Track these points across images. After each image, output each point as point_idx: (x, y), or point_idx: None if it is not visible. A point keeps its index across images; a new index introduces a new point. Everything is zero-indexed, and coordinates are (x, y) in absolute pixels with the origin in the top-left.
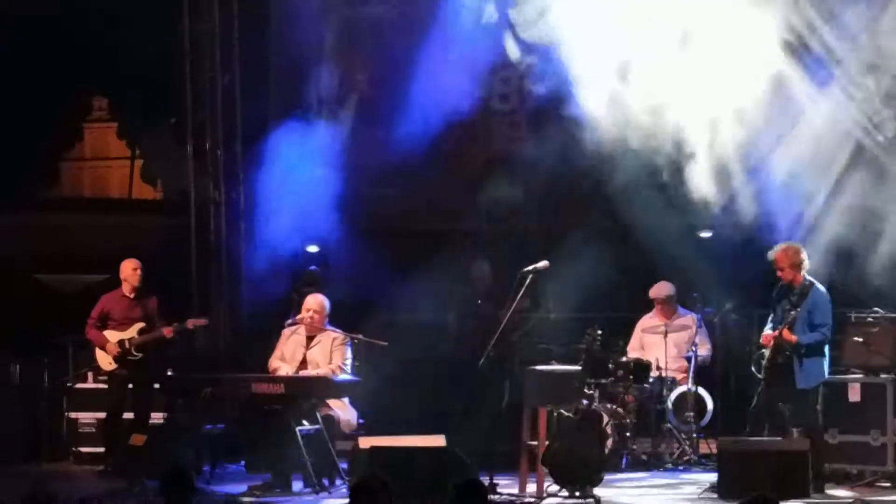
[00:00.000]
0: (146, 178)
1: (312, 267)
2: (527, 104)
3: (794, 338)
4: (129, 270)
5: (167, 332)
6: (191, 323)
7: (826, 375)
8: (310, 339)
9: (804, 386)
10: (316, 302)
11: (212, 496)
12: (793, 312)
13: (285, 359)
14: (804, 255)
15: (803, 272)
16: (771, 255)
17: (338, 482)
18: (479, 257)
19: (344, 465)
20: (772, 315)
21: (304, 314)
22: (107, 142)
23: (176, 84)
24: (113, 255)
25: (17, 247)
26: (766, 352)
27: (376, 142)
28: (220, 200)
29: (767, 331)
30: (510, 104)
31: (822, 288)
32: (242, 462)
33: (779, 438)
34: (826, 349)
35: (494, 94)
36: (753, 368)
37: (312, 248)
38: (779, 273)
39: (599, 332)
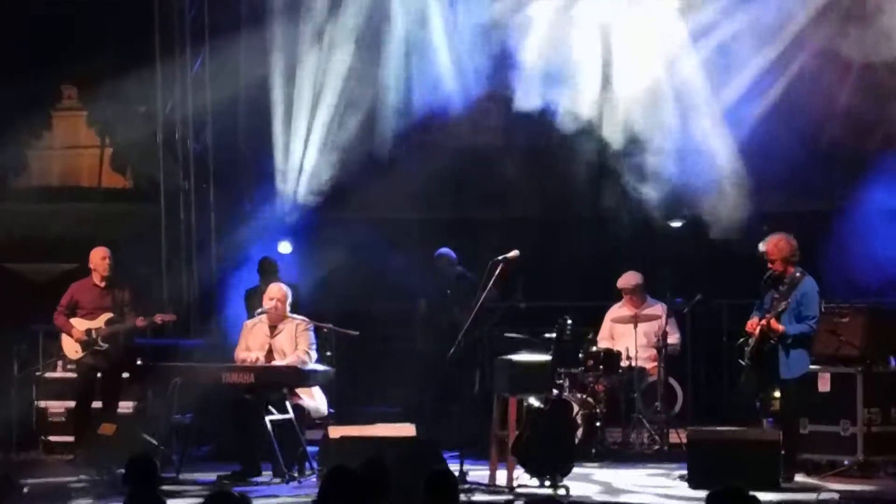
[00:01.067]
0: (116, 167)
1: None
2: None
3: (780, 327)
4: (98, 259)
5: (139, 321)
6: (159, 317)
7: (808, 367)
8: (272, 328)
9: (787, 376)
10: (279, 290)
11: (182, 485)
12: (784, 303)
13: (251, 350)
14: (795, 248)
15: (794, 264)
16: (762, 246)
17: (307, 471)
18: (442, 249)
19: (313, 451)
20: (758, 303)
21: (266, 303)
22: (76, 130)
23: (146, 73)
24: (83, 243)
25: None
26: (752, 339)
27: (350, 130)
28: (189, 189)
29: (754, 318)
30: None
31: (811, 280)
32: (205, 449)
33: (750, 428)
34: (810, 341)
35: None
36: (738, 356)
37: (285, 247)
38: (770, 265)
39: (569, 321)
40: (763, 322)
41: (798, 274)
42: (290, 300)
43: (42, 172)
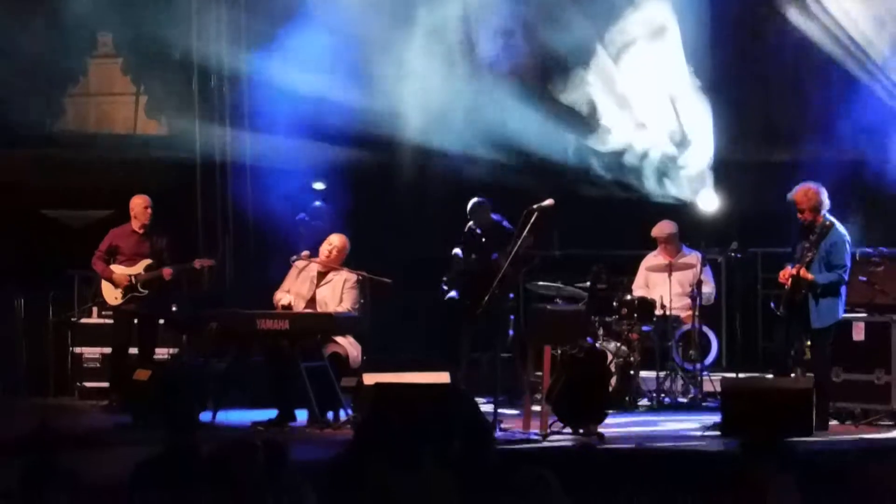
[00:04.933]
0: (151, 114)
1: (317, 203)
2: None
3: (810, 276)
4: (141, 208)
5: (166, 273)
6: (198, 263)
7: (840, 316)
8: (321, 275)
9: (819, 325)
10: (340, 240)
11: (217, 431)
12: (812, 251)
13: (292, 294)
14: (824, 196)
15: (824, 212)
16: (791, 196)
17: (342, 418)
18: (476, 197)
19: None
20: (792, 252)
21: (324, 247)
22: (112, 77)
23: (181, 19)
24: (118, 190)
25: (22, 181)
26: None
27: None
28: (225, 137)
29: (786, 268)
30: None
31: (841, 228)
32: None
33: (784, 377)
34: (842, 290)
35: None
36: (773, 305)
37: (319, 185)
38: (798, 215)
39: (604, 270)
40: (793, 271)
41: (828, 222)
42: (347, 252)
43: (78, 119)
